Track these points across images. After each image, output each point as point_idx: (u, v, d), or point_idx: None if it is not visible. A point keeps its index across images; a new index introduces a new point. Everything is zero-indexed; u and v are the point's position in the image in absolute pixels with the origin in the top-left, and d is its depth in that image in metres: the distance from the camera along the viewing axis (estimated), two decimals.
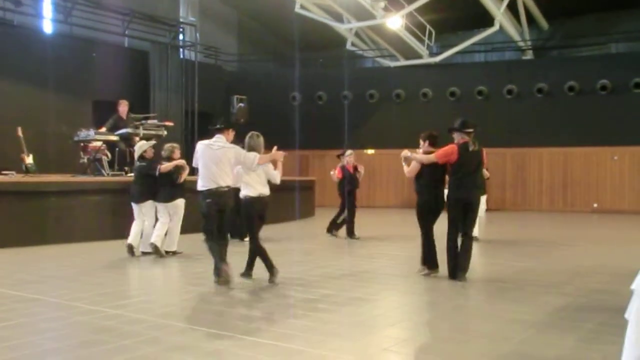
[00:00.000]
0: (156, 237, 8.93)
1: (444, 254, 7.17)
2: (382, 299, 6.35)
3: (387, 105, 21.41)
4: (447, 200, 7.20)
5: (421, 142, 7.54)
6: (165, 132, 12.71)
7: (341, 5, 18.68)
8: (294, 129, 20.29)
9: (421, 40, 20.85)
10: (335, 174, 11.52)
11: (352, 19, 19.53)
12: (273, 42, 25.82)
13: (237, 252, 7.37)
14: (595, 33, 21.80)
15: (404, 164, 7.44)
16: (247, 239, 7.38)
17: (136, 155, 9.50)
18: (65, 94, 16.05)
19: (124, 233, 9.29)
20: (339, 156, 11.80)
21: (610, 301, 6.05)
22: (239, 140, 7.31)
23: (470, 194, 7.11)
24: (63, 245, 10.01)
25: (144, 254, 9.08)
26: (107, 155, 12.54)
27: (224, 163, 6.70)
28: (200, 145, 6.83)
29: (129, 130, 12.17)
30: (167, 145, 9.34)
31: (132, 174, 10.00)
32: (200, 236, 7.26)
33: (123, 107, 12.75)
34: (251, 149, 7.01)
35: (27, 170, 12.25)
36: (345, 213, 11.53)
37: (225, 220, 6.86)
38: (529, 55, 22.58)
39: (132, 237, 9.06)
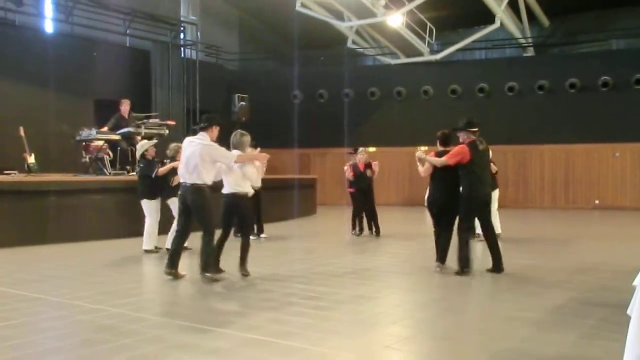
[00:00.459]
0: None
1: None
2: (384, 296, 6.34)
3: (388, 103, 21.36)
4: (461, 198, 7.24)
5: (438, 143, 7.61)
6: (167, 132, 12.73)
7: (342, 3, 18.69)
8: (295, 127, 20.30)
9: (422, 38, 20.81)
10: (348, 171, 11.63)
11: (353, 17, 19.53)
12: (274, 41, 25.83)
13: (234, 247, 7.32)
14: (596, 30, 21.78)
15: (419, 164, 7.52)
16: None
17: (138, 155, 9.49)
18: (67, 93, 16.05)
19: (126, 232, 9.28)
20: (351, 153, 11.91)
21: (612, 298, 6.04)
22: None
23: (484, 192, 7.25)
24: (65, 244, 10.00)
25: (147, 252, 9.10)
26: (109, 155, 12.54)
27: (197, 160, 6.71)
28: (185, 142, 7.08)
29: (131, 129, 12.18)
30: (173, 145, 9.31)
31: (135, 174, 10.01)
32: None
33: (125, 107, 12.77)
34: (235, 147, 7.06)
35: (29, 170, 12.26)
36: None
37: (201, 217, 6.81)
38: (530, 53, 22.52)
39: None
